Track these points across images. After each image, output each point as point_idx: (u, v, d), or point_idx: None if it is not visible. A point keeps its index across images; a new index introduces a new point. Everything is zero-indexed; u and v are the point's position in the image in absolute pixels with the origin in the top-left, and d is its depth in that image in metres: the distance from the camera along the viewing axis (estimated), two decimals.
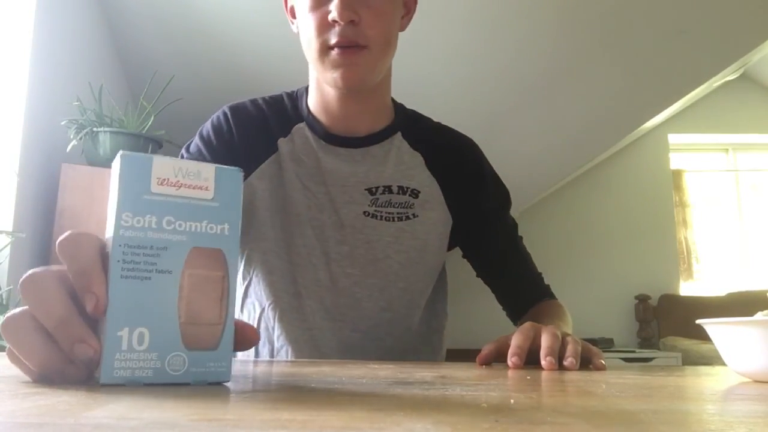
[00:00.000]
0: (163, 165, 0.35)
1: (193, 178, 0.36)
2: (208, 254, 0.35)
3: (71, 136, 1.61)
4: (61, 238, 0.34)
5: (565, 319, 0.83)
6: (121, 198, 0.34)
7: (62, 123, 1.62)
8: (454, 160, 0.87)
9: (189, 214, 0.35)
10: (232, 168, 0.37)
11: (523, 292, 0.91)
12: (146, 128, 1.70)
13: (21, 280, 0.33)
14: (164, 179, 0.35)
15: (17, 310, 0.34)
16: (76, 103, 1.64)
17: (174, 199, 0.35)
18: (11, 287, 1.40)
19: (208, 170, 0.36)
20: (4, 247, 1.42)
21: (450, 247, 0.89)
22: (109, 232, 0.34)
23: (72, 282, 0.34)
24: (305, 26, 0.75)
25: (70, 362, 0.33)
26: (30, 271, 0.34)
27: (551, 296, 0.91)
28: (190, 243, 0.35)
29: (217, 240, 0.36)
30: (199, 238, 0.35)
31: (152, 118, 1.72)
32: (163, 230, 0.34)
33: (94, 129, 1.64)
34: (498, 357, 0.62)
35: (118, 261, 0.33)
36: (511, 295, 0.91)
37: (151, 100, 1.74)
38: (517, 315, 0.91)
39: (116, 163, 0.35)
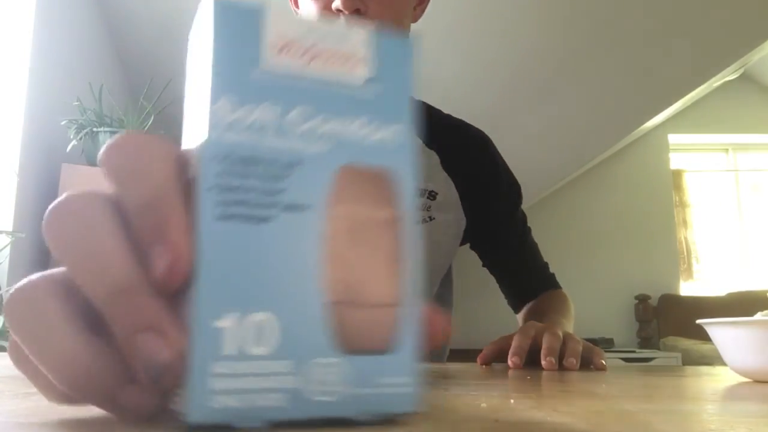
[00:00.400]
0: (284, 20, 0.20)
1: (336, 43, 0.21)
2: (369, 179, 0.21)
3: (71, 136, 1.61)
4: (108, 144, 0.19)
5: (567, 313, 0.83)
6: (217, 73, 0.19)
7: (62, 123, 1.62)
8: (469, 157, 0.86)
9: (333, 105, 0.20)
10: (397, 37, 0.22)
11: (528, 282, 0.91)
12: (146, 128, 1.71)
13: (50, 208, 0.19)
14: (288, 43, 0.20)
15: (35, 275, 0.19)
16: (76, 103, 1.64)
17: (306, 79, 0.20)
18: (11, 288, 1.40)
19: (359, 35, 0.21)
20: (4, 247, 1.42)
21: (460, 244, 0.88)
22: (192, 140, 0.20)
23: (133, 226, 0.19)
24: (307, 15, 0.73)
25: (127, 379, 0.18)
26: (65, 196, 0.19)
27: (556, 286, 0.92)
28: (337, 157, 0.20)
29: (382, 153, 0.21)
30: (352, 149, 0.20)
31: (152, 118, 1.72)
32: (291, 133, 0.19)
33: (94, 129, 1.64)
34: (499, 357, 0.62)
35: (214, 188, 0.18)
36: (515, 285, 0.92)
37: (151, 100, 1.74)
38: (520, 305, 0.91)
39: (204, 15, 0.20)
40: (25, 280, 0.19)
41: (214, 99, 0.19)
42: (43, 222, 0.19)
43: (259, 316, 0.18)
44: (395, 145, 0.21)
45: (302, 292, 0.19)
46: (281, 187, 0.19)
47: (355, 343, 0.20)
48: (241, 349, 0.18)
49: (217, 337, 0.18)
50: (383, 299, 0.21)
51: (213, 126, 0.18)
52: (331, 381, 0.19)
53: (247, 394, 0.18)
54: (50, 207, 0.19)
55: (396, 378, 0.20)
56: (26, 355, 0.19)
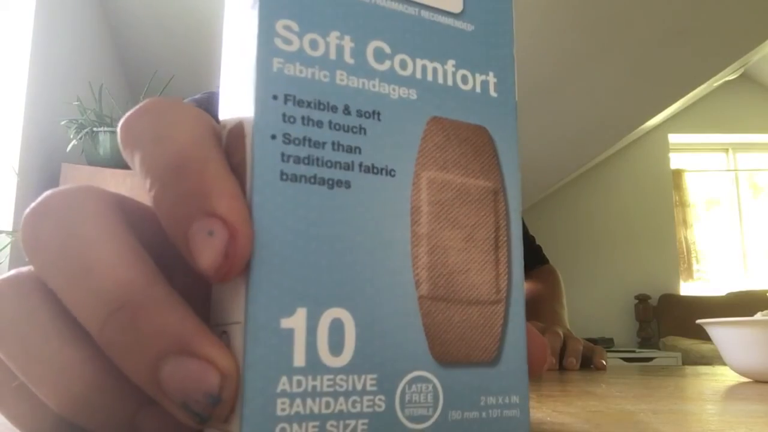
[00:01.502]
0: None
1: None
2: (464, 138, 0.16)
3: (71, 136, 1.61)
4: (128, 113, 0.15)
5: (561, 297, 0.83)
6: None
7: (62, 123, 1.62)
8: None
9: (419, 42, 0.16)
10: None
11: None
12: None
13: (27, 210, 0.14)
14: None
15: (25, 268, 0.15)
16: (76, 103, 1.64)
17: (387, 7, 0.16)
18: None
19: None
20: (4, 247, 1.42)
21: None
22: (237, 85, 0.15)
23: (154, 202, 0.13)
24: None
25: (145, 398, 0.14)
26: (46, 194, 0.15)
27: (543, 260, 0.92)
28: (425, 107, 0.16)
29: (477, 105, 0.17)
30: (443, 98, 0.16)
31: None
32: (371, 72, 0.15)
33: (94, 129, 1.64)
34: None
35: (275, 137, 0.14)
36: None
37: None
38: None
39: None
40: (12, 272, 0.15)
41: (268, 23, 0.14)
42: (20, 229, 0.14)
43: (335, 314, 0.13)
44: (492, 99, 0.17)
45: (387, 283, 0.14)
46: (359, 144, 0.14)
47: (450, 350, 0.15)
48: (314, 357, 0.13)
49: (283, 343, 0.13)
50: (484, 295, 0.16)
51: (269, 56, 0.14)
52: (425, 402, 0.14)
53: (321, 419, 0.13)
54: (27, 209, 0.14)
55: (502, 397, 0.16)
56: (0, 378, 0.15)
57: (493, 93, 0.17)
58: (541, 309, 0.79)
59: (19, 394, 0.15)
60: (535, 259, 0.92)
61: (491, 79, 0.17)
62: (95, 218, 0.14)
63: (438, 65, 0.16)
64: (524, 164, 3.00)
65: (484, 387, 0.15)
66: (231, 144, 0.14)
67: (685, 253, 3.89)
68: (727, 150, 4.08)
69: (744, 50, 2.57)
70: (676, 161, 3.98)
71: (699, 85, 2.85)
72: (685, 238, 3.91)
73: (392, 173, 0.15)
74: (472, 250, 0.16)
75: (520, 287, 0.16)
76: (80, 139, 1.62)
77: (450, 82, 0.16)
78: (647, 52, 2.49)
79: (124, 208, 0.15)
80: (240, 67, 0.15)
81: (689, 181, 4.00)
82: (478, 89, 0.17)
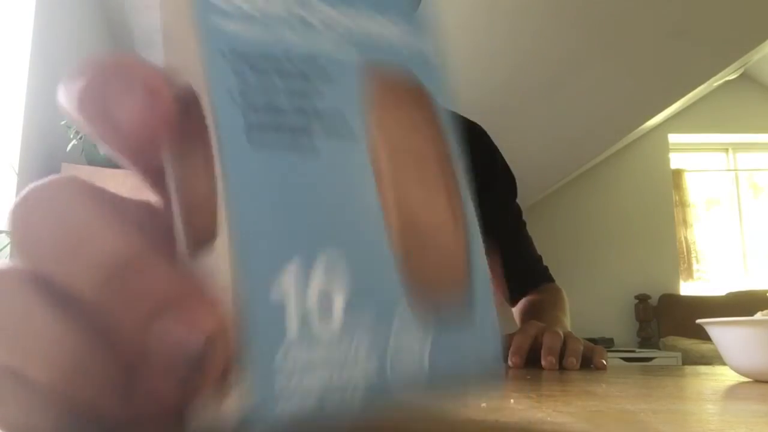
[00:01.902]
0: None
1: None
2: (401, 99, 0.16)
3: (71, 136, 1.61)
4: (81, 81, 0.16)
5: (564, 308, 0.84)
6: None
7: (62, 123, 1.62)
8: (467, 150, 0.87)
9: None
10: None
11: (523, 275, 0.93)
12: None
13: (14, 201, 0.14)
14: None
15: (1, 263, 0.15)
16: None
17: None
18: None
19: None
20: (4, 247, 1.42)
21: None
22: (180, 54, 0.15)
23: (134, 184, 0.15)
24: None
25: (139, 370, 0.13)
26: (33, 185, 0.14)
27: (549, 279, 0.93)
28: (360, 59, 0.15)
29: (413, 63, 0.16)
30: (378, 49, 0.16)
31: None
32: (309, 26, 0.15)
33: None
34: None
35: (232, 94, 0.13)
36: (510, 277, 0.93)
37: None
38: (515, 298, 0.92)
39: None
40: None
41: None
42: (8, 218, 0.14)
43: (322, 279, 0.13)
44: (427, 60, 0.17)
45: (368, 233, 0.14)
46: (316, 104, 0.14)
47: (427, 296, 0.15)
48: (305, 328, 0.13)
49: (275, 314, 0.12)
50: (452, 245, 0.16)
51: (207, 13, 0.13)
52: (411, 362, 0.14)
53: (317, 390, 0.13)
54: (15, 200, 0.14)
55: (477, 343, 0.15)
56: None
57: (424, 44, 0.17)
58: (542, 313, 0.80)
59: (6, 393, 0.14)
60: (541, 278, 0.93)
61: (420, 29, 0.17)
62: (83, 202, 0.14)
63: (371, 16, 0.16)
64: (524, 164, 3.00)
65: (462, 341, 0.15)
66: (183, 112, 0.14)
67: (685, 253, 3.89)
68: (727, 150, 4.08)
69: (744, 50, 2.57)
70: (676, 161, 3.98)
71: (699, 85, 2.85)
72: (685, 238, 3.90)
73: (352, 134, 0.15)
74: (435, 205, 0.16)
75: (479, 246, 0.17)
76: (80, 139, 1.62)
77: (385, 33, 0.16)
78: (647, 52, 2.49)
79: (105, 197, 0.16)
80: (180, 37, 0.14)
81: (689, 181, 4.00)
82: (410, 39, 0.17)
